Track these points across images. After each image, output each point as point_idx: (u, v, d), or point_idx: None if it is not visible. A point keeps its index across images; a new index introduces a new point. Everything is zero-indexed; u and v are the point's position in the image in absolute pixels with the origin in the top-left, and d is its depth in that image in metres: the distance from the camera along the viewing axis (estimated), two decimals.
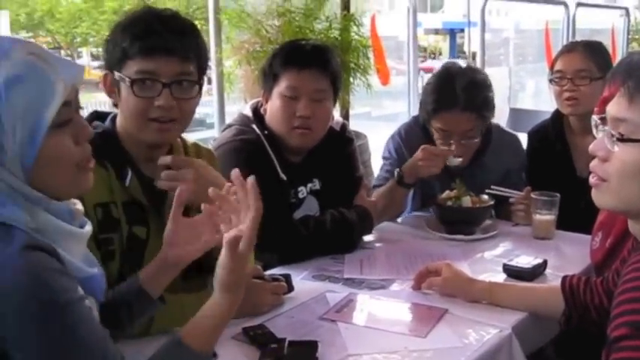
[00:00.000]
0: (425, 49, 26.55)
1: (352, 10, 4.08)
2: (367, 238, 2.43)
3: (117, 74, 1.68)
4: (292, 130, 2.26)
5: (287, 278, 1.90)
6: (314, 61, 2.26)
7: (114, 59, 1.69)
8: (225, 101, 3.99)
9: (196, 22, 1.78)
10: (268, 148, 2.28)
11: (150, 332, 1.60)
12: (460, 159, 2.55)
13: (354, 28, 3.75)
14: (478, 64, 6.04)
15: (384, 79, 4.62)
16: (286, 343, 1.56)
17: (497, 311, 1.81)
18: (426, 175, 2.56)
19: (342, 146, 2.47)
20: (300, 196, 2.38)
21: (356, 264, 2.19)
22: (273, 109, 2.29)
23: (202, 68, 1.76)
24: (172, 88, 1.68)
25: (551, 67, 2.81)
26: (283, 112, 2.26)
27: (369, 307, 1.87)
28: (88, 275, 1.25)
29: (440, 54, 29.48)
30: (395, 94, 7.90)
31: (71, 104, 1.22)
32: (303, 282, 2.04)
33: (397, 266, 2.17)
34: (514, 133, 2.92)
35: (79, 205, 1.31)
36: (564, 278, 1.80)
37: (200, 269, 1.85)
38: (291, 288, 1.90)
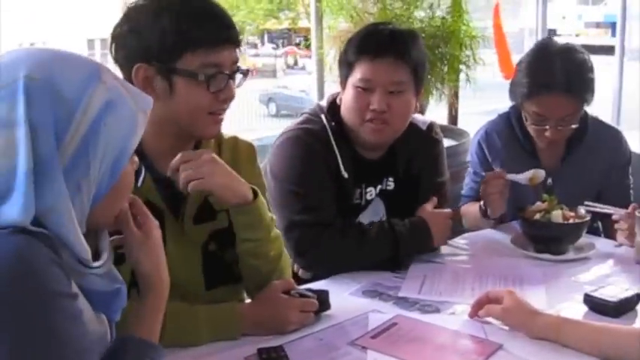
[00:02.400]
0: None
1: None
2: (443, 249, 2.16)
3: (161, 67, 1.50)
4: (365, 123, 2.04)
5: (321, 295, 1.67)
6: (391, 49, 2.01)
7: (160, 50, 1.50)
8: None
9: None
10: (332, 141, 2.07)
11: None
12: (543, 172, 2.25)
13: (464, 17, 3.41)
14: None
15: (508, 72, 4.25)
16: None
17: (563, 352, 1.51)
18: (497, 207, 2.27)
19: (426, 147, 2.21)
20: (369, 197, 2.16)
21: (417, 280, 1.94)
22: (346, 100, 2.08)
23: None
24: (234, 78, 1.57)
25: None
26: (355, 105, 2.04)
27: (411, 333, 1.62)
28: (108, 290, 1.16)
29: None
30: None
31: None
32: (351, 297, 1.83)
33: (463, 287, 1.90)
34: (614, 126, 2.58)
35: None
36: None
37: (227, 280, 1.70)
38: (326, 306, 1.68)
